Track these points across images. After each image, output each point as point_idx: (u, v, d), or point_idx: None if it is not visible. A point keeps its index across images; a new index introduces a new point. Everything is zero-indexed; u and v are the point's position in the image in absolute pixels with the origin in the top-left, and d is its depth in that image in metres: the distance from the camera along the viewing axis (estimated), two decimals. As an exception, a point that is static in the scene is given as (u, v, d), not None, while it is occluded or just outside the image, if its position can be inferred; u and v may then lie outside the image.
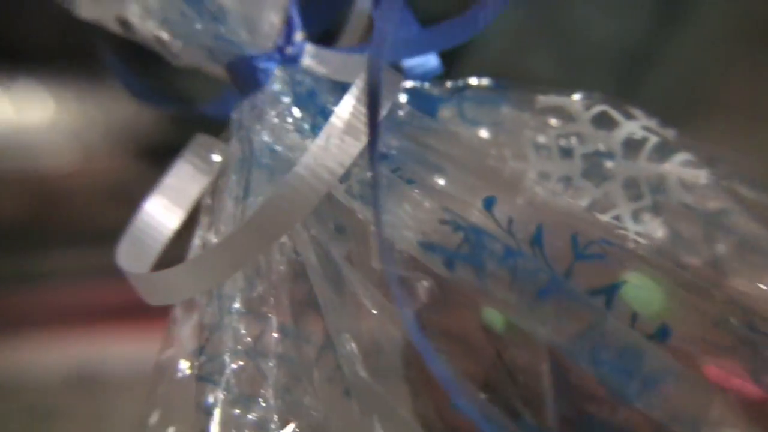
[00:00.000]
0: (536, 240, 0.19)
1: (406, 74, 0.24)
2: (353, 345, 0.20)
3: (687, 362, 0.17)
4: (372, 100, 0.18)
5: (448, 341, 0.20)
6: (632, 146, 0.21)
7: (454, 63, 0.25)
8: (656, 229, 0.21)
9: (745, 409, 0.15)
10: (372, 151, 0.18)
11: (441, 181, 0.22)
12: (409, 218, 0.21)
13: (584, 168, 0.22)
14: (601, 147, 0.22)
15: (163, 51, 0.22)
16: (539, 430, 0.16)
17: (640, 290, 0.18)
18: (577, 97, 0.22)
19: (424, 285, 0.21)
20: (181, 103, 0.29)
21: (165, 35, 0.21)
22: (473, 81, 0.24)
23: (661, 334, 0.17)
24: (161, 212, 0.23)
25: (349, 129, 0.20)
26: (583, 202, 0.21)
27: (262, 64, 0.23)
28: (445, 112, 0.24)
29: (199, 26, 0.21)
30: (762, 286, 0.18)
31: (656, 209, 0.21)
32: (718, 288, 0.19)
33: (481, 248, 0.19)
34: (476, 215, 0.20)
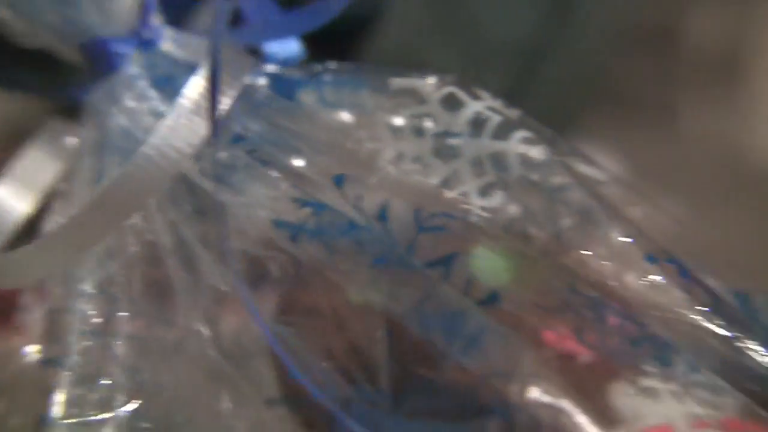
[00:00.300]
0: (382, 215, 0.20)
1: (268, 59, 0.24)
2: (205, 325, 0.20)
3: (519, 324, 0.18)
4: (212, 80, 0.18)
5: (305, 316, 0.20)
6: (477, 125, 0.22)
7: (353, 54, 0.25)
8: (502, 204, 0.21)
9: (560, 363, 0.16)
10: (214, 131, 0.18)
11: (297, 163, 0.22)
12: (264, 198, 0.21)
13: (435, 147, 0.22)
14: (450, 127, 0.22)
15: (6, 31, 0.21)
16: (374, 393, 0.17)
17: (479, 260, 0.19)
18: (430, 79, 0.23)
19: (279, 263, 0.21)
20: (43, 87, 0.28)
21: (6, 14, 0.21)
22: (332, 65, 0.24)
23: (492, 299, 0.18)
24: (8, 198, 0.22)
25: (197, 109, 0.20)
26: (435, 180, 0.22)
27: (118, 48, 0.22)
28: (306, 95, 0.24)
29: (45, 5, 0.21)
30: (586, 252, 0.20)
31: (501, 185, 0.21)
32: (558, 258, 0.20)
33: (326, 223, 0.19)
34: (328, 194, 0.21)
